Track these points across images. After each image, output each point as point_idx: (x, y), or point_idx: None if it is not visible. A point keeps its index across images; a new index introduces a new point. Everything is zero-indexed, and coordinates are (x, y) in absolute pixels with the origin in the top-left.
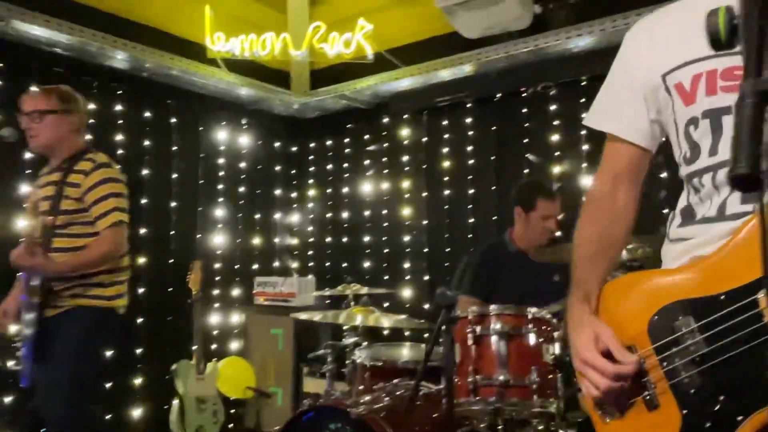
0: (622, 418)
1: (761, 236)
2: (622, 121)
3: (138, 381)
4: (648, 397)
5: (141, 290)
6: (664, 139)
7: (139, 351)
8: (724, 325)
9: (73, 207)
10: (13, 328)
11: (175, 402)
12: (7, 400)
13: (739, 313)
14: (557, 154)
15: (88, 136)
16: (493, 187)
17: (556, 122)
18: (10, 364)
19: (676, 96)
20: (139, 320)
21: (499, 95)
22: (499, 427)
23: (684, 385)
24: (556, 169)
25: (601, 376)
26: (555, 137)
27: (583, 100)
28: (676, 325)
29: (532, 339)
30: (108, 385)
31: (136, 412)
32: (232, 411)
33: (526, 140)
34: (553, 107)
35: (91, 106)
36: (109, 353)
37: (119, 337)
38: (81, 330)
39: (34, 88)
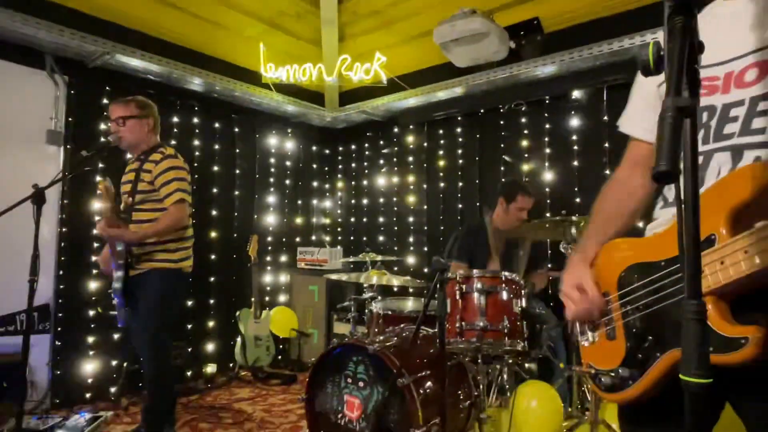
0: (593, 344)
1: (678, 221)
2: (634, 124)
3: (211, 323)
4: (609, 330)
5: (213, 257)
6: None
7: (212, 301)
8: (660, 284)
9: (146, 188)
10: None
11: (239, 339)
12: (116, 336)
13: (669, 275)
14: (526, 156)
15: (173, 142)
16: (477, 181)
17: (525, 131)
18: (112, 312)
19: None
20: (212, 279)
21: (482, 111)
22: (479, 361)
23: (630, 325)
24: (525, 168)
25: (572, 303)
26: (524, 143)
27: (546, 115)
28: (634, 280)
29: (504, 295)
30: (189, 327)
31: (210, 346)
32: (281, 346)
33: (502, 145)
34: (523, 120)
35: (175, 119)
36: (189, 303)
37: (188, 289)
38: (156, 288)
39: (118, 100)
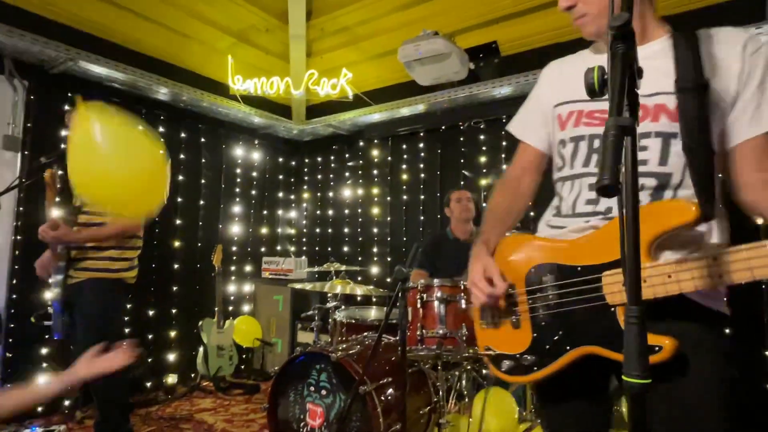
0: (495, 329)
1: (621, 230)
2: (527, 130)
3: (173, 333)
4: (514, 320)
5: (176, 266)
6: None
7: (174, 311)
8: (575, 288)
9: None
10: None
11: (201, 349)
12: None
13: (586, 282)
14: (484, 171)
15: None
16: (438, 194)
17: (484, 148)
18: (47, 322)
19: (556, 122)
20: (175, 288)
21: (443, 127)
22: (439, 367)
23: (538, 318)
24: (483, 182)
25: (480, 292)
26: (483, 159)
27: (503, 133)
28: (543, 279)
29: (463, 303)
30: (150, 336)
31: (171, 356)
32: (244, 356)
33: (462, 161)
34: (482, 137)
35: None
36: (150, 312)
37: (125, 300)
38: (93, 299)
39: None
